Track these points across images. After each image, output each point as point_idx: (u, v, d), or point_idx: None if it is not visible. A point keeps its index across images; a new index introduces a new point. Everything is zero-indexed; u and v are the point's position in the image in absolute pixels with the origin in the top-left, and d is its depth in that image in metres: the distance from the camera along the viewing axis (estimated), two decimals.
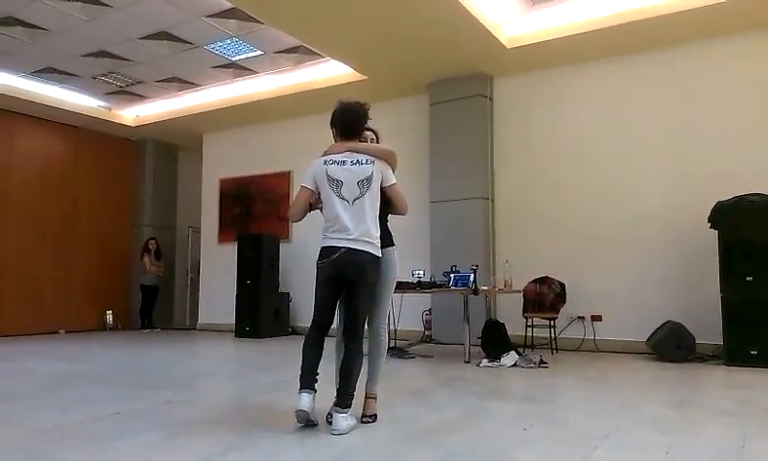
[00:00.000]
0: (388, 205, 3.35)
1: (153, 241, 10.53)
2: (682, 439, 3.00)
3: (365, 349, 3.28)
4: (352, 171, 3.19)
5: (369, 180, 3.18)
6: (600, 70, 7.12)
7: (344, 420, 3.07)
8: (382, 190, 3.25)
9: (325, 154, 3.31)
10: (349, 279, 3.14)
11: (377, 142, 3.51)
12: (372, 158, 3.23)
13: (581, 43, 6.74)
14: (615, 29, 6.39)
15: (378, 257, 3.19)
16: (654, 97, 6.79)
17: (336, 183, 3.18)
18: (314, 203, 3.32)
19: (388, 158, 3.29)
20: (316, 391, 3.16)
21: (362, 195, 3.17)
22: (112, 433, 3.17)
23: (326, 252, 3.18)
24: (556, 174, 7.28)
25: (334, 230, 3.17)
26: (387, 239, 3.37)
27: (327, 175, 3.21)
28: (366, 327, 3.30)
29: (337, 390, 3.12)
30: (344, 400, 3.09)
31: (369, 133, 3.49)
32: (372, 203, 3.18)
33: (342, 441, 2.96)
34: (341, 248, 3.12)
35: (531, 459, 2.64)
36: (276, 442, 2.96)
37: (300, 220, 3.36)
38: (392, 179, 3.27)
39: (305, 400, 3.09)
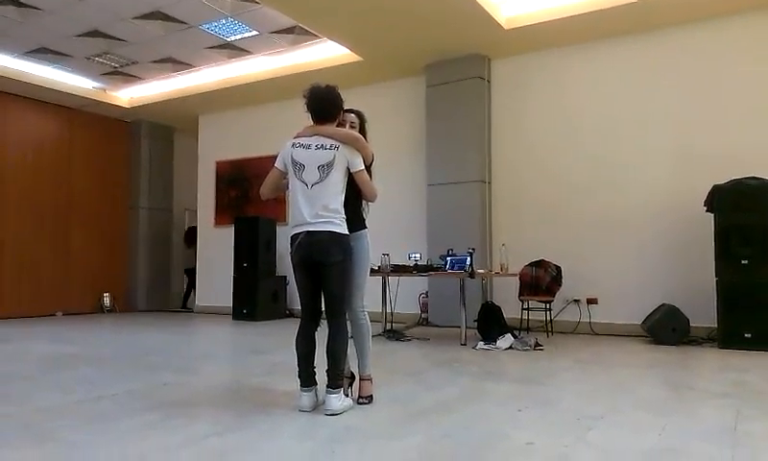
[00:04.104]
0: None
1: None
2: (675, 420, 3.03)
3: (350, 331, 3.32)
4: (315, 155, 3.20)
5: (330, 165, 3.17)
6: (599, 52, 7.08)
7: (336, 400, 3.10)
8: (351, 175, 3.25)
9: (296, 136, 3.32)
10: (315, 261, 3.17)
11: (360, 125, 3.47)
12: (338, 144, 3.22)
13: (580, 24, 6.69)
14: (615, 9, 6.33)
15: (341, 234, 3.17)
16: (653, 79, 6.75)
17: (299, 167, 3.21)
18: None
19: (354, 144, 3.26)
20: (316, 384, 3.21)
21: (321, 180, 3.16)
22: (111, 414, 3.19)
23: (291, 240, 3.24)
24: (553, 157, 7.26)
25: (294, 217, 3.24)
26: (358, 223, 3.37)
27: (292, 157, 3.24)
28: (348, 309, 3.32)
29: (326, 371, 3.16)
30: (333, 381, 3.13)
31: (351, 115, 3.46)
32: (331, 187, 3.16)
33: (338, 421, 2.99)
34: (300, 233, 3.17)
35: (526, 440, 2.66)
36: (273, 423, 2.98)
37: (272, 197, 3.50)
38: (359, 165, 3.23)
39: (305, 401, 3.16)
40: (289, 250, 3.26)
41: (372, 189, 3.31)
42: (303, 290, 3.28)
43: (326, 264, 3.16)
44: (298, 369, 3.22)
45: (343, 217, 3.20)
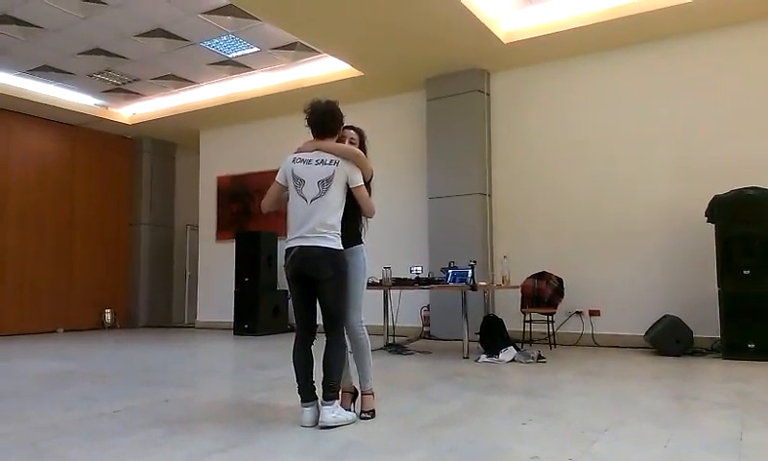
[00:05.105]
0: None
1: None
2: (680, 432, 3.02)
3: (350, 346, 3.35)
4: (315, 170, 3.23)
5: (329, 180, 3.20)
6: (598, 64, 7.11)
7: (329, 412, 3.10)
8: (350, 191, 3.27)
9: (297, 151, 3.35)
10: (308, 276, 3.19)
11: (360, 142, 3.48)
12: (338, 159, 3.25)
13: (578, 37, 6.73)
14: (613, 22, 6.37)
15: (334, 250, 3.17)
16: (653, 91, 6.78)
17: (299, 182, 3.23)
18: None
19: (354, 160, 3.28)
20: (317, 399, 3.20)
21: (320, 195, 3.19)
22: (113, 430, 3.17)
23: (286, 254, 3.26)
24: (553, 169, 7.28)
25: (291, 231, 3.26)
26: (354, 238, 3.38)
27: (293, 173, 3.27)
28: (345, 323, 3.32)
29: (321, 383, 3.17)
30: (327, 393, 3.14)
31: (351, 132, 3.47)
32: (329, 203, 3.18)
33: (341, 436, 2.97)
34: (294, 247, 3.20)
35: (531, 453, 2.65)
36: (275, 439, 2.97)
37: (273, 210, 3.50)
38: (358, 181, 3.26)
39: (307, 416, 3.16)
40: (283, 263, 3.29)
41: (370, 205, 3.33)
42: (297, 303, 3.31)
43: (319, 280, 3.17)
44: (297, 384, 3.22)
45: (337, 233, 3.21)
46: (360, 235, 3.45)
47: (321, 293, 3.21)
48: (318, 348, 3.28)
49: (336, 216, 3.21)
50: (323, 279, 3.17)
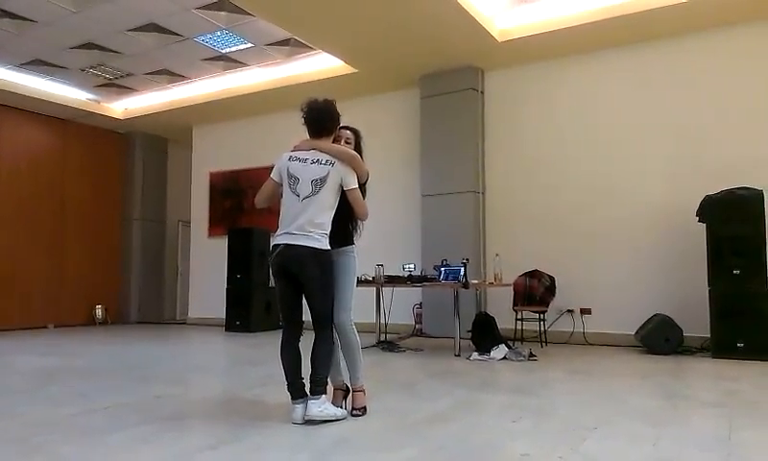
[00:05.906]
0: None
1: None
2: (669, 430, 3.04)
3: (340, 345, 3.37)
4: (310, 169, 3.23)
5: (323, 180, 3.20)
6: (591, 64, 7.14)
7: (315, 406, 3.12)
8: (344, 193, 3.27)
9: (294, 149, 3.35)
10: (292, 274, 3.20)
11: (356, 143, 3.47)
12: (334, 160, 3.24)
13: (572, 36, 6.75)
14: (607, 22, 6.40)
15: (319, 250, 3.17)
16: (646, 91, 6.81)
17: (293, 180, 3.23)
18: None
19: (350, 162, 3.28)
20: (308, 395, 3.20)
21: (312, 194, 3.19)
22: (103, 427, 3.16)
23: (273, 249, 3.27)
24: (547, 168, 7.30)
25: (280, 227, 3.26)
26: (345, 238, 3.38)
27: (288, 170, 3.27)
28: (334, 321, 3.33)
29: (309, 378, 3.18)
30: (314, 387, 3.16)
31: (347, 132, 3.46)
32: (321, 203, 3.19)
33: (332, 433, 2.97)
34: (281, 245, 3.20)
35: (521, 451, 2.66)
36: (267, 435, 2.97)
37: (266, 206, 3.48)
38: (352, 183, 3.26)
39: (298, 413, 3.16)
40: (269, 258, 3.30)
41: (364, 208, 3.33)
42: (282, 299, 3.32)
43: (303, 278, 3.18)
44: (286, 382, 3.23)
45: (325, 233, 3.21)
46: (351, 236, 3.45)
47: (307, 292, 3.23)
48: (306, 344, 3.28)
49: (326, 216, 3.21)
50: (309, 279, 3.18)
